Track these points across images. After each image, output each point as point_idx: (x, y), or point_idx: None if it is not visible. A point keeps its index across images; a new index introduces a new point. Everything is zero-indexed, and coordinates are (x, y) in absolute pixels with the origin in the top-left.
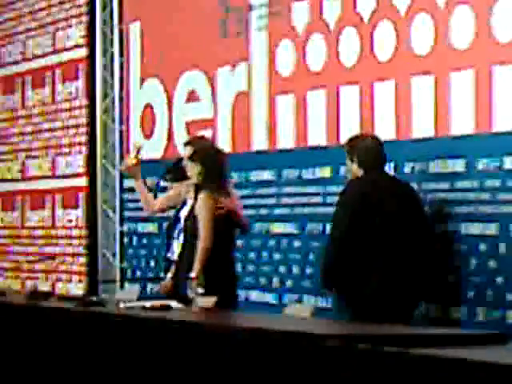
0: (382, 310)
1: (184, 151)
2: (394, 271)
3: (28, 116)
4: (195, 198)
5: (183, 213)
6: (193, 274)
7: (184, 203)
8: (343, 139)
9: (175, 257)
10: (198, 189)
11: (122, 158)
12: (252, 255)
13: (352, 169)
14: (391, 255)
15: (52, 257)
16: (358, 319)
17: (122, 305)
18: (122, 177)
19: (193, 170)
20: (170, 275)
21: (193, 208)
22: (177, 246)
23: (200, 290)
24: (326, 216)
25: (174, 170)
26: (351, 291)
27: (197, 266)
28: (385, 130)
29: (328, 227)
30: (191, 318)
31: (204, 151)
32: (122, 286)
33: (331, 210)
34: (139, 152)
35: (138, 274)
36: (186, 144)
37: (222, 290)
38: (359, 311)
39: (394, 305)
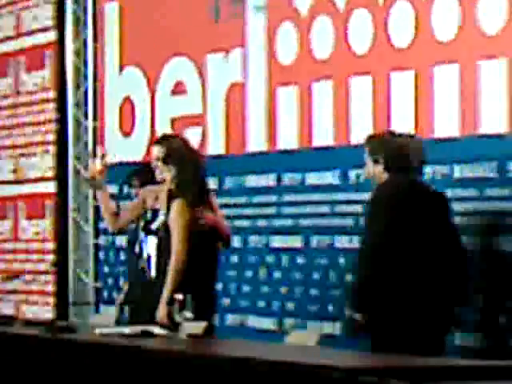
0: (411, 337)
1: (153, 151)
2: (424, 291)
3: None
4: (167, 208)
5: (155, 226)
6: (178, 296)
7: (155, 214)
8: (354, 139)
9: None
10: (170, 196)
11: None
12: (248, 274)
13: (375, 172)
14: (423, 273)
15: (15, 275)
16: (382, 346)
17: (97, 331)
18: None
19: (166, 174)
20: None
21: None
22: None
23: (188, 314)
24: (333, 228)
25: (140, 172)
26: (381, 313)
27: (169, 285)
28: (402, 128)
29: (337, 240)
30: (178, 347)
31: (179, 152)
32: (96, 310)
33: (340, 221)
34: (105, 157)
35: (116, 295)
36: (157, 143)
37: (210, 314)
38: (384, 337)
39: (423, 330)
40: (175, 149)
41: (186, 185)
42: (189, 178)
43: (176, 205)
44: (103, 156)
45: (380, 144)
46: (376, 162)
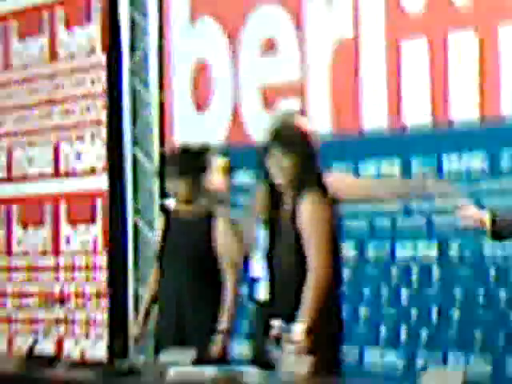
0: None
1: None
2: None
3: (14, 82)
4: (275, 205)
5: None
6: (300, 326)
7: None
8: (506, 110)
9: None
10: (278, 192)
11: (162, 144)
12: (366, 292)
13: None
14: None
15: (58, 300)
16: None
17: (170, 372)
18: (163, 174)
19: (286, 160)
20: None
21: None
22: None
23: (291, 347)
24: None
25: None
26: None
27: (308, 309)
28: None
29: (485, 246)
30: None
31: (299, 134)
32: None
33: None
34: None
35: None
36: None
37: (323, 345)
38: None
39: None
40: (290, 128)
41: (308, 175)
42: (312, 165)
43: (309, 199)
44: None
45: None
46: None
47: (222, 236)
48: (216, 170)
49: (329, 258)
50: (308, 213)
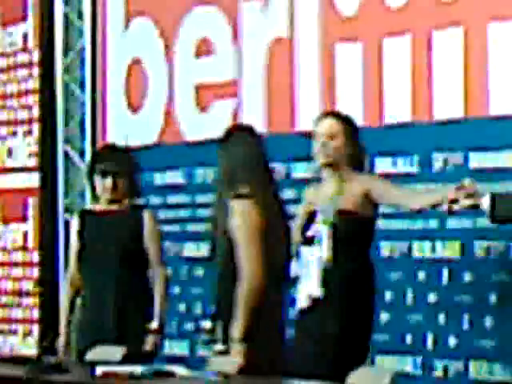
0: None
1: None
2: None
3: None
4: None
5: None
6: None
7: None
8: (438, 113)
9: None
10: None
11: (94, 144)
12: None
13: None
14: None
15: None
16: None
17: (98, 370)
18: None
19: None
20: None
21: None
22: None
23: (218, 347)
24: (411, 232)
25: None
26: None
27: (240, 320)
28: None
29: (415, 248)
30: None
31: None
32: None
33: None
34: None
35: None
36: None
37: (257, 346)
38: None
39: None
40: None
41: (248, 172)
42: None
43: (237, 203)
44: None
45: None
46: None
47: (150, 233)
48: None
49: (258, 265)
50: (236, 218)
